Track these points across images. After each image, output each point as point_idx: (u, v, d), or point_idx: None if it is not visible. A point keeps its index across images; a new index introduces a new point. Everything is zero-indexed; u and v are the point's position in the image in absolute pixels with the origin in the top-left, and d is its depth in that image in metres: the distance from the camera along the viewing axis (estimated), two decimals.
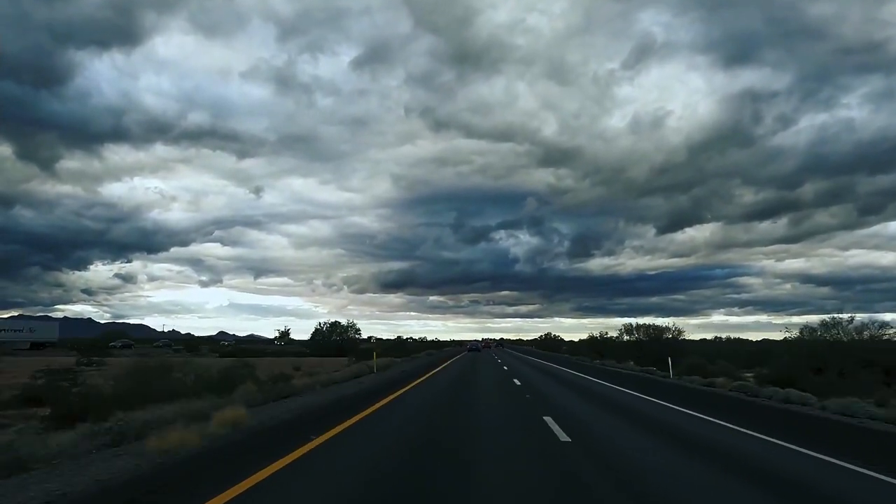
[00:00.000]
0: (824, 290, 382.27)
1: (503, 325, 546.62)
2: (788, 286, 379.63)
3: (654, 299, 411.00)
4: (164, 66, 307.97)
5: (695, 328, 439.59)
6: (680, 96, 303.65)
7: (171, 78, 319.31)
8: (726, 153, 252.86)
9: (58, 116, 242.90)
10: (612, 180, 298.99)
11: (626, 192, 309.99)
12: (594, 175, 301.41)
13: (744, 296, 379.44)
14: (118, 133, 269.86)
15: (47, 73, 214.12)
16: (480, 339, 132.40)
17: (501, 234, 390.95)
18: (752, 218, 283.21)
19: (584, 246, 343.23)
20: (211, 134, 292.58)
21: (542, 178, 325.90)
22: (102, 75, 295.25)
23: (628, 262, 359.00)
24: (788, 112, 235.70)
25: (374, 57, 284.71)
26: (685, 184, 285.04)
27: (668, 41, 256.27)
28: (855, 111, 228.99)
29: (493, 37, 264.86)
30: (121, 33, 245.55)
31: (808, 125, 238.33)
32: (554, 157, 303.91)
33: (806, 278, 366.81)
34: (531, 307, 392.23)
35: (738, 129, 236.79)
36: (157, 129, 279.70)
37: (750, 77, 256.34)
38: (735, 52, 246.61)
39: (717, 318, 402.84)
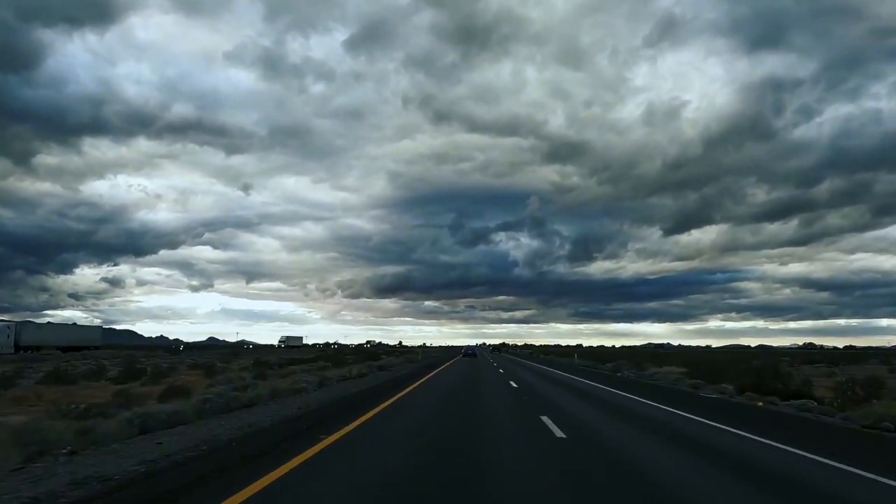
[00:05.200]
0: (823, 294, 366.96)
1: (498, 330, 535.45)
2: (788, 291, 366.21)
3: (652, 304, 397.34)
4: (142, 49, 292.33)
5: (690, 334, 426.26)
6: (697, 85, 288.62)
7: (152, 64, 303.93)
8: (743, 147, 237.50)
9: (30, 105, 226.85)
10: (620, 177, 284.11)
11: (634, 191, 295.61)
12: (602, 172, 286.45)
13: (742, 301, 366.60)
14: (97, 125, 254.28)
15: (13, 54, 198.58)
16: (475, 344, 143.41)
17: (501, 236, 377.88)
18: (761, 219, 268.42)
19: (585, 249, 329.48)
20: (197, 127, 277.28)
21: (547, 175, 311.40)
22: (76, 59, 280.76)
23: (630, 265, 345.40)
24: (812, 102, 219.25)
25: (370, 35, 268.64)
26: (697, 181, 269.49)
27: (690, 20, 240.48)
28: (884, 101, 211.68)
29: (504, 8, 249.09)
30: (93, 8, 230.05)
31: (832, 116, 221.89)
32: (560, 152, 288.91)
33: (806, 283, 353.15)
34: (527, 312, 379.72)
35: (758, 121, 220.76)
36: (138, 122, 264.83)
37: (773, 63, 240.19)
38: (760, 33, 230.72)
39: (714, 323, 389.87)
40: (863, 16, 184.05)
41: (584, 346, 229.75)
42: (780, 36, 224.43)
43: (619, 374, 34.56)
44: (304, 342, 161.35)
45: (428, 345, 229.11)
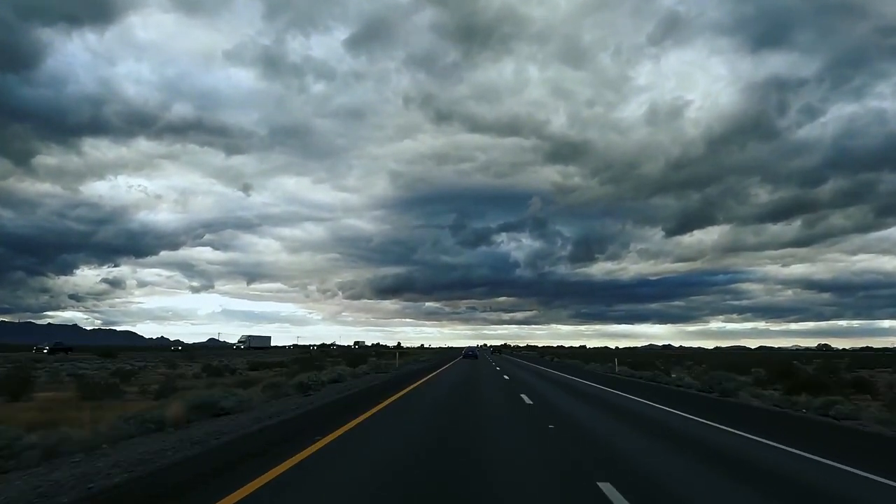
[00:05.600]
0: (825, 296, 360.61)
1: (499, 331, 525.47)
2: (790, 292, 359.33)
3: (654, 306, 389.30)
4: (142, 49, 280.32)
5: (690, 335, 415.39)
6: (700, 84, 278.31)
7: (152, 63, 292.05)
8: (746, 147, 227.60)
9: (30, 105, 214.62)
10: (622, 177, 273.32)
11: (636, 191, 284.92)
12: (604, 172, 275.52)
13: (744, 302, 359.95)
14: (97, 125, 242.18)
15: (13, 54, 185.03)
16: (476, 346, 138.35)
17: (502, 236, 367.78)
18: (764, 219, 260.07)
19: (586, 249, 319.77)
20: (197, 127, 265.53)
21: (548, 175, 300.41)
22: (76, 58, 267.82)
23: (631, 266, 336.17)
24: (815, 102, 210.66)
25: (371, 34, 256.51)
26: (700, 181, 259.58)
27: (693, 18, 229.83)
28: (888, 101, 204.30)
29: (506, 7, 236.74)
30: (92, 7, 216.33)
31: (836, 116, 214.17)
32: (562, 152, 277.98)
33: (808, 284, 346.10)
34: (528, 314, 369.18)
35: (761, 121, 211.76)
36: (138, 122, 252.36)
37: (777, 62, 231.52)
38: (764, 32, 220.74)
39: (715, 325, 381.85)
40: (867, 14, 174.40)
41: (587, 347, 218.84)
42: (784, 35, 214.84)
43: (731, 400, 18.83)
44: (274, 343, 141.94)
45: (426, 346, 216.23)
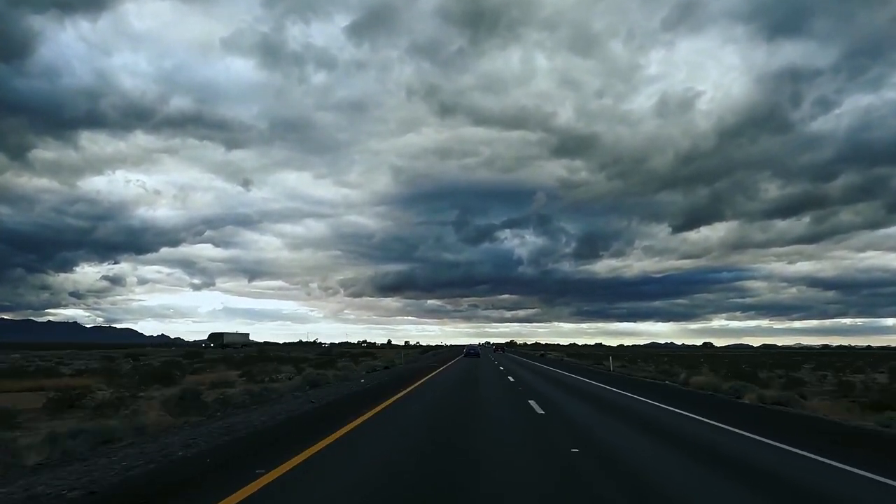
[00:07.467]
0: (830, 294, 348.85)
1: (501, 329, 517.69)
2: (794, 290, 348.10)
3: (657, 303, 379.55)
4: (138, 39, 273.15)
5: (693, 333, 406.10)
6: (712, 74, 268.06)
7: (148, 54, 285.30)
8: (758, 141, 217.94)
9: (23, 96, 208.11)
10: (630, 172, 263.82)
11: (644, 186, 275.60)
12: (612, 166, 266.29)
13: (748, 300, 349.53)
14: (93, 119, 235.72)
15: (3, 42, 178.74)
16: (478, 343, 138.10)
17: (506, 233, 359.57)
18: (773, 215, 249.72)
19: (591, 246, 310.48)
20: (196, 121, 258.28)
21: (554, 170, 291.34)
22: (70, 48, 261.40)
23: (636, 263, 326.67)
24: (831, 93, 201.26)
25: (373, 20, 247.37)
26: (709, 175, 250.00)
27: (708, 3, 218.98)
28: None
29: None
30: None
31: (852, 108, 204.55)
32: (569, 145, 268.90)
33: (813, 282, 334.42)
34: (530, 311, 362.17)
35: (774, 113, 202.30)
36: (136, 115, 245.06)
37: (792, 51, 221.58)
38: (780, 19, 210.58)
39: (718, 322, 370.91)
40: (887, 1, 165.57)
41: (596, 345, 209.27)
42: (801, 22, 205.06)
43: None
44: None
45: (419, 343, 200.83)
